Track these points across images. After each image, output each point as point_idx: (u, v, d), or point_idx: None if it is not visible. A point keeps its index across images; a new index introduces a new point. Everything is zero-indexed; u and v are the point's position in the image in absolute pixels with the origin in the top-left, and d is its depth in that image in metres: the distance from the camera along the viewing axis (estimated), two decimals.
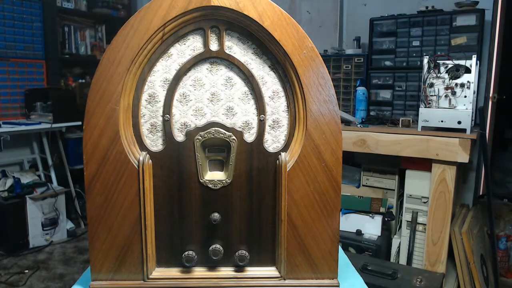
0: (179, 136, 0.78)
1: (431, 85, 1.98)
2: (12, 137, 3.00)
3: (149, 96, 0.78)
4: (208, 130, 0.77)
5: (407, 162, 2.17)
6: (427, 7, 2.49)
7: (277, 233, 0.79)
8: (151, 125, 0.79)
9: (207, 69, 0.78)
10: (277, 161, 0.78)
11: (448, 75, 1.94)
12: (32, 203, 2.95)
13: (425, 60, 1.99)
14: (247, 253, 0.79)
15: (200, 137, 0.77)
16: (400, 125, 2.20)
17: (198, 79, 0.78)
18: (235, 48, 0.77)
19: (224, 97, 0.78)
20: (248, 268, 0.81)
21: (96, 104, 0.75)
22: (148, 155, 0.77)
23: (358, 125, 2.27)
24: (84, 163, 0.76)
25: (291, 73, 0.76)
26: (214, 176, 0.79)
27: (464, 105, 1.93)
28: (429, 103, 1.99)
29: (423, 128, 2.01)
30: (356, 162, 2.55)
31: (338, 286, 0.80)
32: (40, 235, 3.02)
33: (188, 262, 0.78)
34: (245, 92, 0.78)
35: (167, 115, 0.77)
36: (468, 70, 1.91)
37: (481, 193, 2.50)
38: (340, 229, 0.82)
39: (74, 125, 3.35)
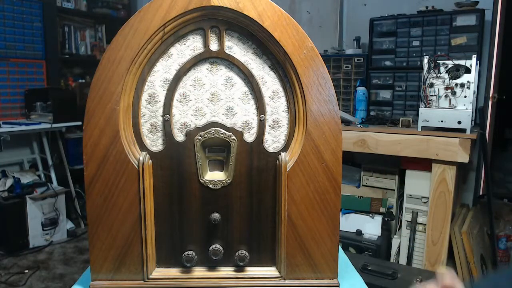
0: (179, 136, 0.78)
1: (431, 85, 1.98)
2: (12, 137, 3.00)
3: (149, 96, 0.78)
4: (208, 130, 0.77)
5: (407, 162, 2.17)
6: (427, 7, 2.49)
7: (277, 233, 0.79)
8: (151, 125, 0.78)
9: (207, 69, 0.78)
10: (277, 161, 0.78)
11: (448, 75, 1.94)
12: (32, 203, 2.95)
13: (425, 60, 1.99)
14: (247, 253, 0.79)
15: (200, 137, 0.77)
16: (400, 125, 2.20)
17: (198, 79, 0.78)
18: (235, 48, 0.77)
19: (224, 97, 0.78)
20: (248, 268, 0.81)
21: (96, 104, 0.75)
22: (148, 155, 0.77)
23: (358, 125, 2.27)
24: (84, 163, 0.76)
25: (291, 73, 0.76)
26: (214, 176, 0.79)
27: (464, 105, 1.93)
28: (429, 103, 1.99)
29: (423, 128, 2.01)
30: (356, 162, 2.55)
31: (338, 286, 0.80)
32: (40, 235, 3.02)
33: (188, 262, 0.78)
34: (245, 92, 0.78)
35: (167, 115, 0.77)
36: (468, 70, 1.91)
37: (481, 193, 2.50)
38: (340, 229, 0.82)
39: (74, 125, 3.35)
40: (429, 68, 1.98)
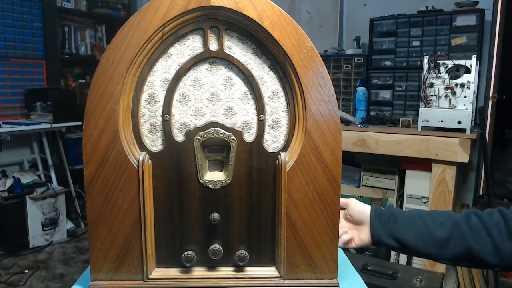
0: (179, 136, 0.78)
1: (431, 85, 1.98)
2: (12, 137, 3.01)
3: (149, 96, 0.78)
4: (208, 130, 0.77)
5: (407, 162, 2.17)
6: (427, 7, 2.49)
7: (277, 233, 0.79)
8: (151, 125, 0.78)
9: (206, 69, 0.78)
10: (277, 161, 0.78)
11: (448, 75, 1.94)
12: (32, 203, 2.95)
13: (425, 60, 1.99)
14: (246, 253, 0.79)
15: (199, 137, 0.77)
16: (400, 125, 2.20)
17: (198, 79, 0.78)
18: (235, 48, 0.77)
19: (224, 97, 0.78)
20: (248, 268, 0.81)
21: (95, 104, 0.75)
22: (147, 155, 0.77)
23: (358, 125, 2.27)
24: (84, 163, 0.76)
25: (291, 73, 0.76)
26: (213, 176, 0.79)
27: (464, 105, 1.93)
28: (429, 103, 1.99)
29: (423, 128, 2.01)
30: (356, 162, 2.55)
31: (338, 286, 0.80)
32: (40, 235, 3.02)
33: (187, 262, 0.78)
34: (245, 92, 0.78)
35: (167, 115, 0.77)
36: (468, 70, 1.91)
37: (481, 193, 2.50)
38: None
39: (74, 125, 3.35)
40: (429, 68, 1.98)
